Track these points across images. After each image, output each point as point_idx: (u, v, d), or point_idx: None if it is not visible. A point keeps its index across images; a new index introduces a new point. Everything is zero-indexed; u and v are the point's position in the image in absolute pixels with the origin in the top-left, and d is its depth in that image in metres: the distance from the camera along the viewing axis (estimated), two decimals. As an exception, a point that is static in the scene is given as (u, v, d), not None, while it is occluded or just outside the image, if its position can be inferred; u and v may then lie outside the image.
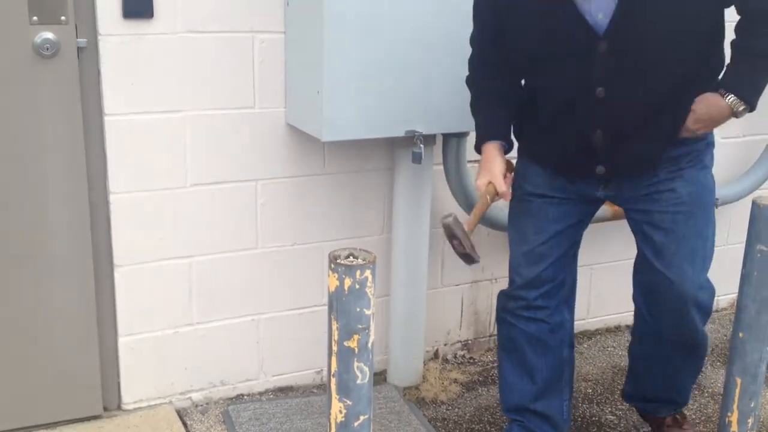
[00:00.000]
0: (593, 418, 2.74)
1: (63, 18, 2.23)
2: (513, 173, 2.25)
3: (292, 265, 2.72)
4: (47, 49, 2.22)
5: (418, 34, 2.31)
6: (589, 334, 3.31)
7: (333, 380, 1.68)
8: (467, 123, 2.34)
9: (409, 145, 2.50)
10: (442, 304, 3.01)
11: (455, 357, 3.09)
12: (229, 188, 2.57)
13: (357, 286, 1.61)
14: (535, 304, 2.28)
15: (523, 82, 2.23)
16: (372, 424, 2.68)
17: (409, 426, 2.61)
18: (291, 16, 2.44)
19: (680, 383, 2.43)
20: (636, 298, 2.30)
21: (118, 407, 2.63)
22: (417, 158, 2.46)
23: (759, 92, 2.06)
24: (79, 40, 2.27)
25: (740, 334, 2.20)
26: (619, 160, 2.10)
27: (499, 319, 2.39)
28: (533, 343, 2.31)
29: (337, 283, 1.61)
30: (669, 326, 2.23)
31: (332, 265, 1.62)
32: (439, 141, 2.67)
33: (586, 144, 2.09)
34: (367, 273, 1.61)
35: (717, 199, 2.43)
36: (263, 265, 2.68)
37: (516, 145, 2.28)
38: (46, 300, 2.44)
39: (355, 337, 1.63)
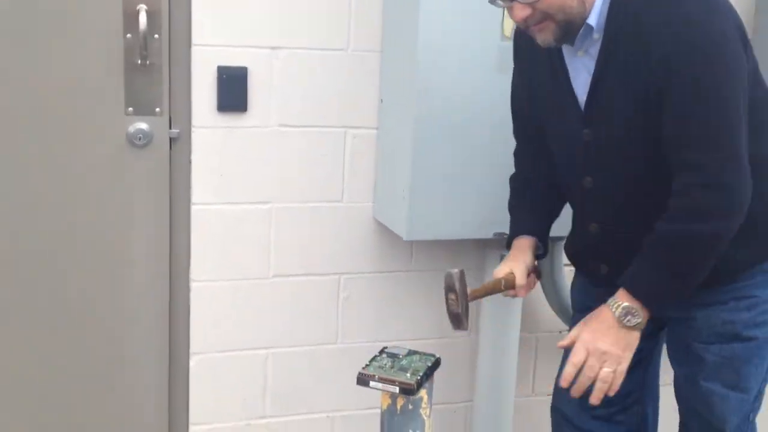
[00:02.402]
0: None
1: (158, 110, 2.30)
2: (538, 278, 2.08)
3: (372, 363, 2.63)
4: (140, 138, 2.29)
5: (506, 135, 2.24)
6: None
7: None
8: (561, 227, 2.21)
9: (500, 247, 2.38)
10: (532, 414, 2.82)
11: (547, 475, 2.88)
12: (312, 281, 2.53)
13: (410, 407, 1.50)
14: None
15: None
16: None
17: None
18: (384, 113, 2.43)
19: None
20: None
21: (188, 497, 2.59)
22: (505, 261, 2.34)
23: (659, 293, 1.72)
24: (171, 130, 2.33)
25: None
26: (620, 259, 1.83)
27: None
28: None
29: (389, 401, 1.51)
30: None
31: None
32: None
33: (586, 240, 1.94)
34: (422, 393, 1.51)
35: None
36: (342, 362, 2.60)
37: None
38: (121, 382, 2.46)
39: (407, 462, 1.52)
